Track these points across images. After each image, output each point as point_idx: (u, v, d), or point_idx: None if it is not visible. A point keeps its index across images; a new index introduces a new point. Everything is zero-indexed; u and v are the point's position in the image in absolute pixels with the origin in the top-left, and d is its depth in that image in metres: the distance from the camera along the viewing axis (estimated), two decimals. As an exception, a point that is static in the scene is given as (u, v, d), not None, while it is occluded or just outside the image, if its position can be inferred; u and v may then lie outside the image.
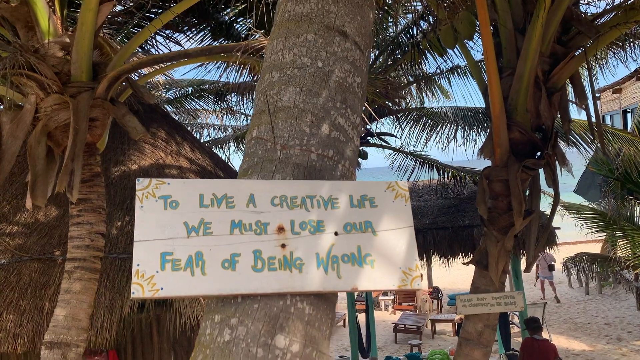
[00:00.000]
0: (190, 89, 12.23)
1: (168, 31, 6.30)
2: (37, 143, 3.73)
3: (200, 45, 7.02)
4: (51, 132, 3.91)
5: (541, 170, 5.76)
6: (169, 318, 4.65)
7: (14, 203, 6.10)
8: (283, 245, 1.85)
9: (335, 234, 1.92)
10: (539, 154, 5.63)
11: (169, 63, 4.85)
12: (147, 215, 1.83)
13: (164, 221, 1.83)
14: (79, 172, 3.78)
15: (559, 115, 5.74)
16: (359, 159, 10.85)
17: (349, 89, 2.15)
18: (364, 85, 2.24)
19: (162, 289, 1.73)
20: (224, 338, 1.68)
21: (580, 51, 5.45)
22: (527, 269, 5.81)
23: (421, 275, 1.99)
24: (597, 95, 21.95)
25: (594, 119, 5.65)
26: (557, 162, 5.65)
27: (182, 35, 7.49)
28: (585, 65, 5.49)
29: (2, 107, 4.36)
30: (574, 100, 5.94)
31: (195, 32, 7.56)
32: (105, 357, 5.75)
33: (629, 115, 19.07)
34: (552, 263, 17.36)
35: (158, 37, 7.00)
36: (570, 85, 5.80)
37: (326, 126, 2.05)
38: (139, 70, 5.41)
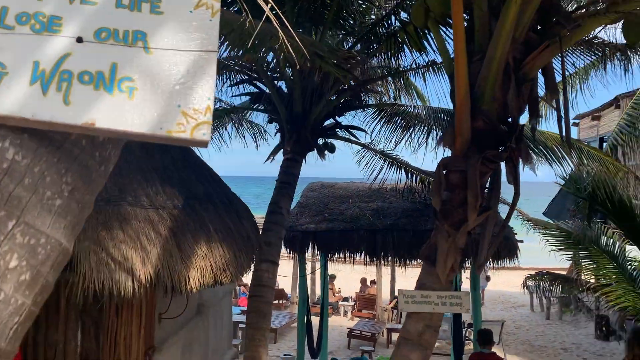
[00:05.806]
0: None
1: None
2: None
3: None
4: None
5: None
6: (71, 281, 4.10)
7: None
8: None
9: (79, 40, 1.27)
10: (502, 148, 5.25)
11: None
12: None
13: None
14: None
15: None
16: (326, 152, 10.33)
17: None
18: None
19: None
20: None
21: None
22: (478, 270, 5.41)
23: (208, 123, 1.29)
24: (575, 120, 21.92)
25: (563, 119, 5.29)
26: (520, 159, 5.27)
27: None
28: (560, 57, 5.13)
29: None
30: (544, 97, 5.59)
31: None
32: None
33: (604, 144, 19.01)
34: (489, 274, 17.37)
35: None
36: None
37: None
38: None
